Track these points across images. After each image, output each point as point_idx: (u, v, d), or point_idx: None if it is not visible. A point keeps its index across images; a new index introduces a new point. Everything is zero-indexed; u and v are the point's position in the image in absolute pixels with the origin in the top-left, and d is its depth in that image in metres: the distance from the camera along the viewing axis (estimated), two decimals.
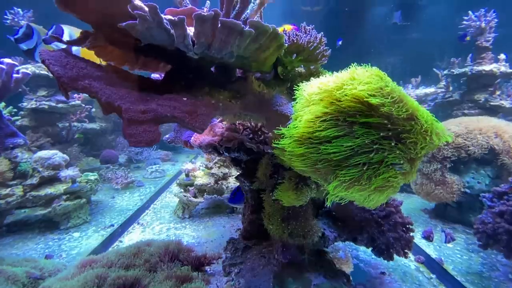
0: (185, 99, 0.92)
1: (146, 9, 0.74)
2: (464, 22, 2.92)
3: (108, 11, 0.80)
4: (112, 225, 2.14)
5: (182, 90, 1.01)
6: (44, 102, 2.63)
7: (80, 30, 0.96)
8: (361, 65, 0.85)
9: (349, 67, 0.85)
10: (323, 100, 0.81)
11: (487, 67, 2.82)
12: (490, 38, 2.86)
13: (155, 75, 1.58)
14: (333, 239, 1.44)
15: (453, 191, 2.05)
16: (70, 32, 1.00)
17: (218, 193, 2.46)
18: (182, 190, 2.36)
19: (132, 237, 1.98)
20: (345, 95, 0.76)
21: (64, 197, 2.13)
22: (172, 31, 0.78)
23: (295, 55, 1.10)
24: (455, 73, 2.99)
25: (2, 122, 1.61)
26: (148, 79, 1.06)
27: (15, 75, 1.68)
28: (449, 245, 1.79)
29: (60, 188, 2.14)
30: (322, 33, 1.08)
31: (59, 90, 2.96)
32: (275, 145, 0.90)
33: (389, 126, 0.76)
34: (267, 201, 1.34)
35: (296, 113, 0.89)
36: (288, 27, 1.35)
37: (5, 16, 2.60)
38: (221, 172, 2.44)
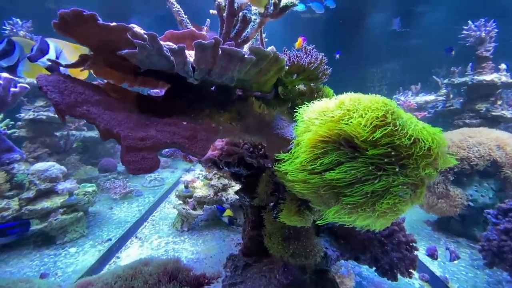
0: (185, 123, 0.90)
1: (146, 37, 0.72)
2: (464, 32, 2.93)
3: (107, 38, 0.78)
4: (110, 239, 2.10)
5: (182, 112, 0.99)
6: (42, 112, 2.61)
7: (66, 42, 0.94)
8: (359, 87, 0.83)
9: (349, 90, 0.83)
10: (325, 126, 0.79)
11: (487, 77, 2.82)
12: (490, 48, 2.87)
13: (155, 90, 1.57)
14: (336, 259, 1.41)
15: (456, 204, 2.03)
16: (56, 46, 0.96)
17: (217, 204, 2.42)
18: (181, 202, 2.33)
19: (129, 253, 1.94)
20: (348, 123, 0.74)
21: (61, 210, 2.09)
22: (172, 58, 0.77)
23: (295, 75, 1.09)
24: (455, 83, 2.99)
25: None
26: (147, 98, 1.04)
27: (12, 89, 1.66)
28: (455, 262, 1.76)
29: (57, 201, 2.11)
30: (322, 54, 1.06)
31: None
32: (276, 168, 0.88)
33: (393, 153, 0.74)
34: (268, 219, 1.31)
35: (297, 137, 0.87)
36: (299, 42, 1.32)
37: (4, 27, 2.59)
38: (221, 183, 2.41)
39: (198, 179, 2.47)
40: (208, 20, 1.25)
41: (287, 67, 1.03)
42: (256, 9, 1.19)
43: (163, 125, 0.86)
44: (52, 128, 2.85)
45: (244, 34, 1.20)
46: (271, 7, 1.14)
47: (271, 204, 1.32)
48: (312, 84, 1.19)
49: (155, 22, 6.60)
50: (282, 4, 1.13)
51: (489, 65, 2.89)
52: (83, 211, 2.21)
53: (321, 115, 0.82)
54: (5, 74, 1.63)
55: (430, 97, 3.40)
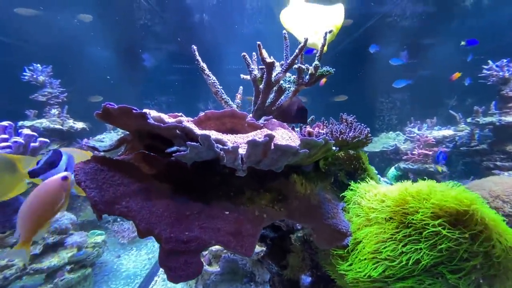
0: (227, 213, 0.82)
1: (198, 135, 0.67)
2: (484, 71, 2.95)
3: (153, 131, 0.74)
4: None
5: (218, 189, 0.92)
6: None
7: (83, 152, 0.89)
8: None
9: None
10: (390, 219, 0.71)
11: None
12: None
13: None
14: None
15: None
16: (68, 157, 0.87)
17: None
18: None
19: None
20: (422, 219, 0.66)
21: (68, 267, 1.95)
22: (222, 153, 0.72)
23: (338, 148, 1.04)
24: (480, 123, 2.93)
25: (12, 196, 1.51)
26: (176, 166, 0.97)
27: (32, 144, 1.63)
28: None
29: (64, 256, 1.97)
30: (365, 125, 1.02)
31: (71, 145, 2.93)
32: (330, 269, 0.78)
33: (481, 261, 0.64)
34: None
35: (354, 232, 0.79)
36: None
37: (24, 73, 2.66)
38: None
39: None
40: (241, 87, 1.24)
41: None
42: (290, 77, 1.18)
43: (206, 219, 0.79)
44: None
45: (278, 102, 1.17)
46: (307, 76, 1.13)
47: (307, 281, 1.20)
48: (351, 152, 1.14)
49: (166, 56, 6.90)
50: (318, 73, 1.11)
51: None
52: (91, 268, 2.05)
53: (383, 206, 0.75)
54: (26, 131, 1.61)
55: (449, 132, 3.34)
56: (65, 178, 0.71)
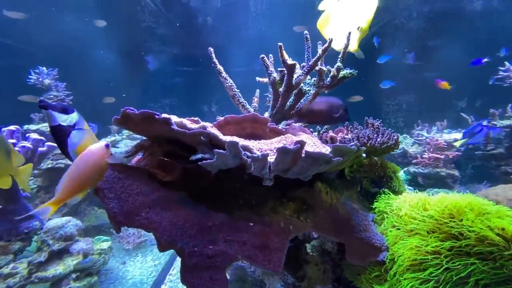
0: (251, 224, 0.77)
1: (224, 142, 0.63)
2: (501, 73, 2.89)
3: (175, 137, 0.70)
4: None
5: (239, 197, 0.87)
6: (60, 160, 2.53)
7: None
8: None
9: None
10: (434, 232, 0.65)
11: None
12: None
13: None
14: None
15: None
16: (80, 117, 0.80)
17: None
18: None
19: None
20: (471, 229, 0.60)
21: (74, 275, 1.89)
22: (249, 161, 0.67)
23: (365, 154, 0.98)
24: (498, 126, 2.87)
25: (19, 203, 1.47)
26: (192, 172, 0.91)
27: (40, 149, 1.58)
28: None
29: (70, 263, 1.91)
30: (393, 130, 0.97)
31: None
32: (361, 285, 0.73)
33: None
34: None
35: (391, 247, 0.73)
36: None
37: (30, 76, 2.63)
38: None
39: None
40: (258, 90, 1.20)
41: None
42: (310, 79, 1.13)
43: (230, 231, 0.73)
44: None
45: (297, 106, 1.13)
46: (328, 79, 1.09)
47: None
48: (374, 158, 1.08)
49: (169, 59, 6.89)
50: (340, 75, 1.07)
51: None
52: (97, 276, 2.00)
53: (423, 215, 0.69)
54: (34, 135, 1.57)
55: (460, 135, 3.27)
56: (107, 146, 0.68)
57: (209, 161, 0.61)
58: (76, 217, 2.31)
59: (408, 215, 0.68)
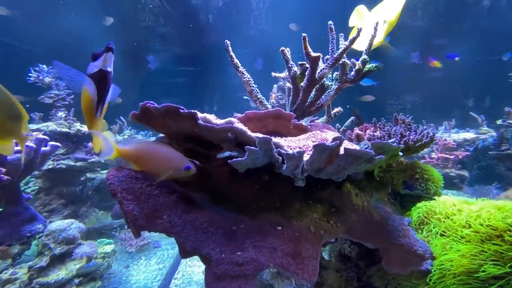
0: (279, 228, 0.70)
1: (255, 139, 0.56)
2: None
3: (199, 133, 0.63)
4: None
5: (261, 199, 0.80)
6: (62, 161, 2.45)
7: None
8: None
9: None
10: (489, 240, 0.59)
11: None
12: None
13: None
14: None
15: None
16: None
17: None
18: None
19: None
20: None
21: (77, 280, 1.81)
22: (280, 159, 0.60)
23: None
24: None
25: (21, 205, 1.39)
26: (210, 172, 0.85)
27: (43, 149, 1.51)
28: None
29: (72, 268, 1.83)
30: (426, 127, 0.91)
31: (78, 148, 2.80)
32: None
33: None
34: None
35: (437, 256, 0.67)
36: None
37: (30, 74, 2.55)
38: None
39: None
40: (275, 86, 1.13)
41: None
42: (330, 75, 1.07)
43: (257, 235, 0.67)
44: (71, 177, 2.67)
45: (318, 102, 1.07)
46: (352, 72, 1.02)
47: None
48: (404, 161, 1.02)
49: (170, 58, 6.81)
50: (366, 68, 1.01)
51: None
52: (100, 278, 1.92)
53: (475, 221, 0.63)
54: (37, 134, 1.50)
55: (469, 135, 3.20)
56: (188, 168, 0.60)
57: (240, 159, 0.54)
58: (77, 220, 2.24)
59: (458, 222, 0.62)
